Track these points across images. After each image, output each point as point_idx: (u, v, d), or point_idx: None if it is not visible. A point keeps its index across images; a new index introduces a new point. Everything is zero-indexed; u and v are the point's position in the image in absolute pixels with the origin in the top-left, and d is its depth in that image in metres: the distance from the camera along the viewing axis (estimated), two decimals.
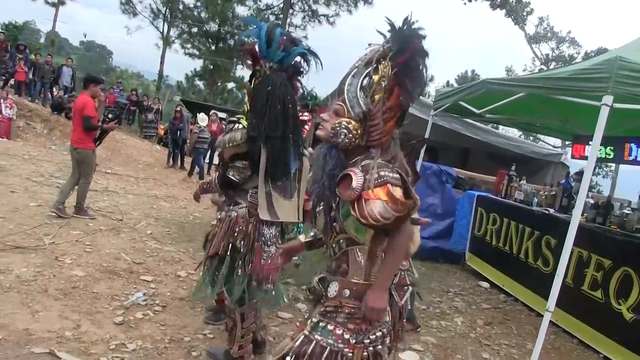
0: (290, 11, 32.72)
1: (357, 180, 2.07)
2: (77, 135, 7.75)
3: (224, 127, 11.86)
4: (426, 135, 8.40)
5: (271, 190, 3.57)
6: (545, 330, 4.50)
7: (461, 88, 7.76)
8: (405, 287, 2.35)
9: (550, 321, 4.79)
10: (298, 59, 3.57)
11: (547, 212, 6.53)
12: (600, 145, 5.71)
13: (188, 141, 17.22)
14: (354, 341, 2.17)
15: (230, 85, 36.91)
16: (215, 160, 15.79)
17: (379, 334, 2.23)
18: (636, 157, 7.07)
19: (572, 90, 4.87)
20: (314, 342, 2.20)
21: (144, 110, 21.05)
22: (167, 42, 34.48)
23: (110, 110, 8.75)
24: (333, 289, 2.26)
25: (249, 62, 3.54)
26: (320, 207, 2.31)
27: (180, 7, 34.06)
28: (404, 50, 2.12)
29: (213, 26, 33.20)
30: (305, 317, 2.50)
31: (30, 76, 18.33)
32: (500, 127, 14.00)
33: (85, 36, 62.09)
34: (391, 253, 2.15)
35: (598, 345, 5.33)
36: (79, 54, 74.73)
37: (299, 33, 32.78)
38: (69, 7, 73.46)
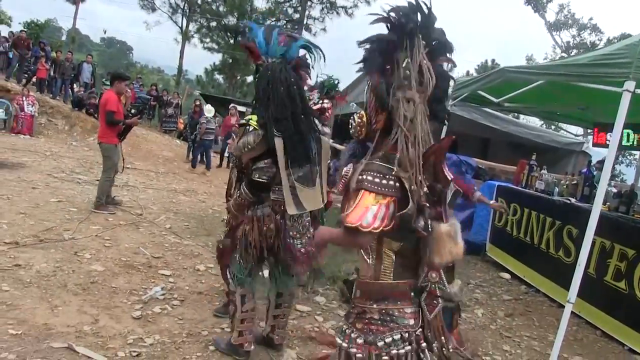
0: (309, 3, 32.67)
1: (344, 177, 2.15)
2: (101, 130, 8.02)
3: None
4: (445, 126, 8.31)
5: (294, 183, 3.52)
6: (566, 321, 4.42)
7: (479, 77, 7.67)
8: (435, 301, 2.25)
9: (573, 312, 4.72)
10: (302, 52, 3.57)
11: (568, 201, 6.43)
12: (623, 132, 5.58)
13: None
14: (362, 341, 2.12)
15: (250, 78, 36.91)
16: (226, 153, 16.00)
17: (396, 337, 2.11)
18: None
19: (592, 77, 4.75)
20: (337, 346, 2.21)
21: (163, 105, 21.16)
22: (186, 36, 34.63)
23: (133, 105, 8.81)
24: (354, 290, 2.25)
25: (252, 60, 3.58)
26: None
27: (199, 1, 34.18)
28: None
29: (231, 20, 33.25)
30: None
31: (52, 73, 18.51)
32: (521, 116, 13.83)
33: (105, 32, 62.77)
34: (336, 232, 2.11)
35: (622, 337, 5.24)
36: (99, 51, 75.32)
37: (318, 25, 32.80)
38: (89, 4, 73.89)
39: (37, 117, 15.50)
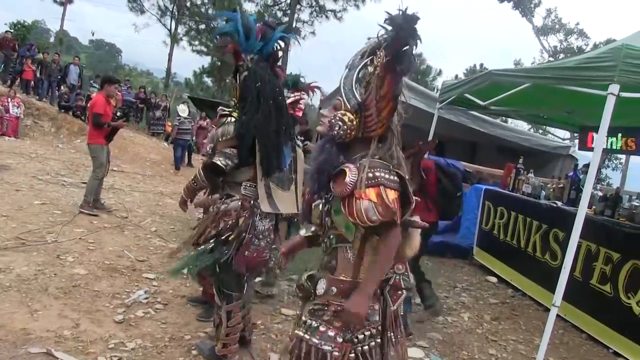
0: (298, 7, 32.69)
1: (350, 176, 2.09)
2: (89, 132, 8.27)
3: None
4: (432, 129, 8.32)
5: (269, 182, 3.56)
6: (552, 325, 4.41)
7: (467, 80, 7.67)
8: (400, 292, 2.31)
9: (559, 316, 4.72)
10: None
11: (555, 205, 6.43)
12: (608, 135, 5.59)
13: (194, 138, 17.24)
14: (341, 340, 2.19)
15: None
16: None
17: (367, 333, 2.23)
18: None
19: (577, 80, 4.75)
20: (303, 341, 2.21)
21: (151, 108, 21.06)
22: (174, 39, 34.50)
23: (118, 108, 8.83)
24: (321, 286, 2.27)
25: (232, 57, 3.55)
26: (317, 202, 2.32)
27: (188, 4, 34.09)
28: (397, 39, 2.08)
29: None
30: (298, 314, 2.47)
31: (38, 75, 18.39)
32: (509, 120, 13.86)
33: (93, 34, 62.42)
34: (377, 258, 2.16)
35: (607, 340, 5.24)
36: (88, 53, 75.02)
37: (307, 29, 32.81)
38: (77, 6, 73.64)
39: (22, 119, 15.39)
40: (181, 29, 35.09)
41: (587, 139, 7.82)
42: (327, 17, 32.89)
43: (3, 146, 12.77)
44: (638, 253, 4.97)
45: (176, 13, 34.56)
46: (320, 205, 2.30)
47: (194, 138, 17.47)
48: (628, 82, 4.13)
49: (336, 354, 2.16)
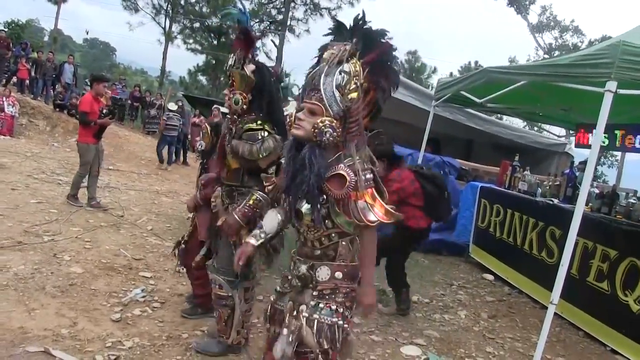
0: (292, 4, 32.64)
1: (350, 180, 2.27)
2: (78, 130, 8.48)
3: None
4: (427, 127, 8.32)
5: None
6: (549, 322, 4.41)
7: (462, 77, 7.68)
8: None
9: (556, 314, 4.72)
10: None
11: (551, 202, 6.44)
12: (605, 133, 5.59)
13: (189, 136, 17.15)
14: (349, 315, 2.51)
15: None
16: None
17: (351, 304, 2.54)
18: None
19: (574, 77, 4.75)
20: (315, 321, 2.40)
21: (146, 106, 21.02)
22: (169, 37, 34.42)
23: (105, 106, 8.89)
24: (324, 273, 2.48)
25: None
26: (306, 205, 2.40)
27: (182, 2, 34.01)
28: (371, 49, 2.28)
29: (215, 21, 33.10)
30: (292, 303, 2.56)
31: (33, 74, 18.33)
32: (504, 117, 13.89)
33: (87, 33, 62.34)
34: (370, 251, 2.49)
35: (604, 338, 5.26)
36: (82, 52, 74.86)
37: (301, 26, 32.80)
38: (71, 4, 73.37)
39: (17, 118, 15.30)
40: (175, 28, 35.08)
41: (583, 136, 7.83)
42: (321, 15, 32.89)
43: None
44: (635, 250, 4.99)
45: (170, 11, 34.47)
46: (315, 211, 2.38)
47: (189, 137, 17.38)
48: (625, 79, 4.13)
49: (347, 327, 2.47)
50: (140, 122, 22.24)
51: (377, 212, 2.31)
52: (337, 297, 2.45)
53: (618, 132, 6.70)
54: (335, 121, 2.28)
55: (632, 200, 5.80)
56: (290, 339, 2.40)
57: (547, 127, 13.09)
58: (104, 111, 8.44)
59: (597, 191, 6.36)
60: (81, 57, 55.90)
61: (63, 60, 20.34)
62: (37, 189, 8.60)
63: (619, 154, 11.76)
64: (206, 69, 35.15)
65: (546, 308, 4.55)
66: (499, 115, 12.68)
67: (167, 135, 15.62)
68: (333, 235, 2.44)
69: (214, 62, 34.03)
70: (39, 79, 18.36)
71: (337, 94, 2.26)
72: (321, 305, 2.43)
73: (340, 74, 2.26)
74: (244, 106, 3.54)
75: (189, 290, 5.08)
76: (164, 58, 34.88)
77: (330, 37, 2.44)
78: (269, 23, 32.75)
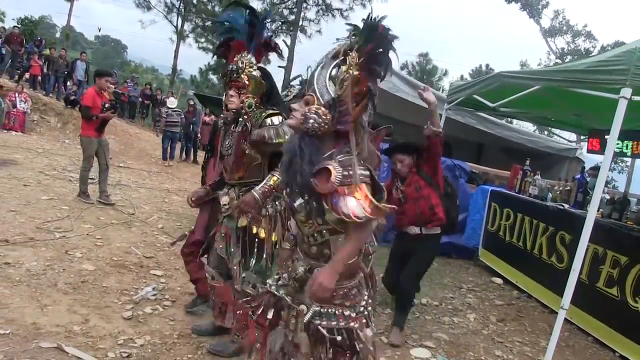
0: (304, 5, 32.62)
1: (335, 174, 2.18)
2: (81, 124, 8.63)
3: None
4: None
5: None
6: (559, 327, 4.41)
7: (475, 81, 7.67)
8: (370, 257, 2.75)
9: (565, 318, 4.70)
10: None
11: (561, 207, 6.42)
12: (617, 139, 5.57)
13: (199, 135, 17.22)
14: (355, 314, 2.40)
15: None
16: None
17: (365, 298, 2.47)
18: None
19: (589, 83, 4.75)
20: (317, 328, 2.36)
21: (157, 104, 21.08)
22: (181, 36, 34.44)
23: (107, 101, 9.01)
24: None
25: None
26: (299, 200, 2.37)
27: (194, 1, 34.05)
28: (370, 40, 2.21)
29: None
30: (294, 304, 2.53)
31: (45, 70, 18.44)
32: (515, 121, 13.84)
33: (99, 30, 62.55)
34: (351, 244, 2.31)
35: (614, 344, 5.23)
36: (94, 49, 75.06)
37: (313, 27, 32.77)
38: (84, 1, 73.78)
39: (29, 114, 15.41)
40: (187, 26, 35.05)
41: (596, 142, 7.81)
42: (333, 15, 32.75)
43: (10, 141, 12.82)
44: None
45: (183, 10, 34.52)
46: (307, 206, 2.35)
47: (199, 135, 17.45)
48: None
49: (355, 326, 2.38)
50: (151, 119, 22.32)
51: (365, 208, 2.16)
52: (335, 300, 2.38)
53: (630, 143, 6.70)
54: (322, 108, 2.24)
55: None
56: (290, 338, 2.44)
57: (557, 131, 13.05)
58: (106, 105, 8.54)
59: (608, 197, 6.34)
60: (92, 54, 56.02)
61: (75, 57, 20.45)
62: (48, 186, 8.67)
63: (629, 159, 11.71)
64: (217, 68, 35.10)
65: (555, 313, 4.55)
66: (509, 119, 12.64)
67: (168, 131, 15.72)
68: (324, 232, 2.37)
69: (225, 61, 34.00)
70: (51, 75, 18.47)
71: (330, 84, 2.26)
72: (322, 310, 2.37)
73: (336, 66, 2.27)
74: (255, 108, 3.67)
75: None
76: (176, 56, 34.92)
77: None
78: (280, 23, 32.70)
